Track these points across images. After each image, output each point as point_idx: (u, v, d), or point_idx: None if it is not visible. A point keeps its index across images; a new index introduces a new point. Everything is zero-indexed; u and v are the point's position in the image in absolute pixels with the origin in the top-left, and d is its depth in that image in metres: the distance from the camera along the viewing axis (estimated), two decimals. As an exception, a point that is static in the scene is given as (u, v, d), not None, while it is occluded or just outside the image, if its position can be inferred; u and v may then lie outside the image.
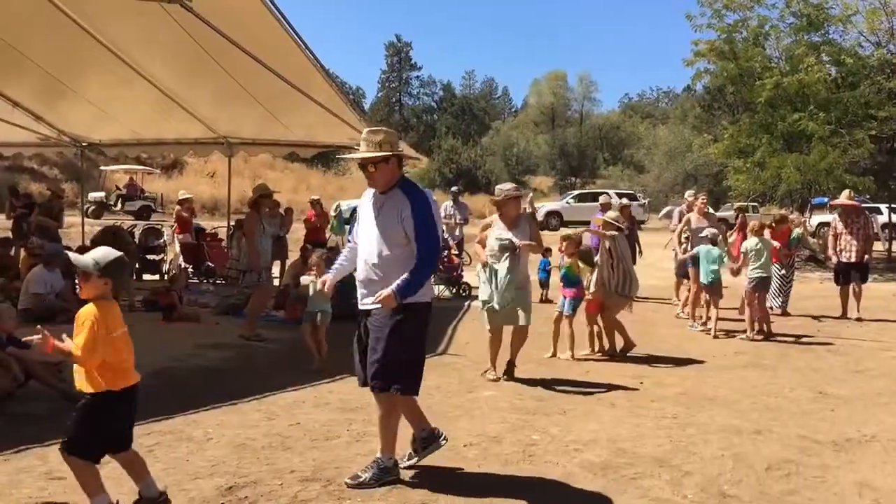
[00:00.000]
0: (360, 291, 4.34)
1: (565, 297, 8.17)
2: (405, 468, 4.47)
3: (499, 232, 7.04)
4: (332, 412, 5.75)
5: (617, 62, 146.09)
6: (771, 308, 11.39)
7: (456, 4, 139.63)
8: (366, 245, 4.33)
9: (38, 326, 3.61)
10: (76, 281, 3.71)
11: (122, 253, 3.76)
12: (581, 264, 8.23)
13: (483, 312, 7.17)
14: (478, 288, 13.25)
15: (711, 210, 11.87)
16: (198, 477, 4.30)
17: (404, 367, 4.22)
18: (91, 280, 3.62)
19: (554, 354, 8.21)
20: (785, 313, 11.57)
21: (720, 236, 10.11)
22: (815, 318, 11.49)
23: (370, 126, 5.06)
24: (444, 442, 4.62)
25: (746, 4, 22.00)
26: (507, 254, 6.87)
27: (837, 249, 11.57)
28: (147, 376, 6.77)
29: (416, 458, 4.56)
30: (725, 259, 9.92)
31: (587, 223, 22.96)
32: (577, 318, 8.25)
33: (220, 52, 7.99)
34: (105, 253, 3.74)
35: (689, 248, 10.70)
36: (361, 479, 4.22)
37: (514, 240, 6.86)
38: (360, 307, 4.35)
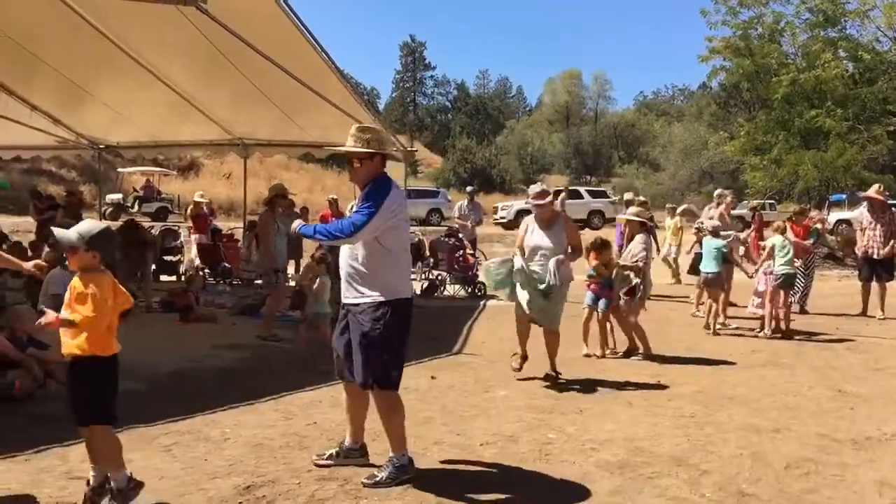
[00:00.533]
0: (342, 286, 4.42)
1: (598, 296, 8.14)
2: (321, 465, 4.50)
3: (534, 235, 6.92)
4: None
5: (632, 60, 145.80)
6: (801, 309, 11.38)
7: (469, 4, 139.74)
8: None
9: (41, 309, 3.71)
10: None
11: (107, 224, 3.83)
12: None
13: (517, 303, 7.00)
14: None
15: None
16: (216, 476, 4.32)
17: (385, 363, 4.26)
18: (78, 253, 3.68)
19: (588, 354, 8.17)
20: (803, 311, 11.50)
21: (723, 230, 10.07)
22: (834, 315, 11.40)
23: (379, 125, 5.06)
24: (365, 461, 4.57)
25: (762, 1, 21.90)
26: (554, 268, 6.63)
27: (860, 245, 11.49)
28: (165, 376, 6.87)
29: (332, 462, 4.54)
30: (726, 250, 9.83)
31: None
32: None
33: (236, 54, 8.02)
34: (90, 226, 3.80)
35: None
36: (378, 479, 4.24)
37: (554, 276, 6.61)
38: (343, 301, 4.41)
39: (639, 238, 8.23)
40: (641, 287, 8.09)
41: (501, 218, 32.65)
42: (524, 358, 7.15)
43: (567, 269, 6.80)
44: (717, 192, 12.58)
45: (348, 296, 4.35)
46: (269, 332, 8.87)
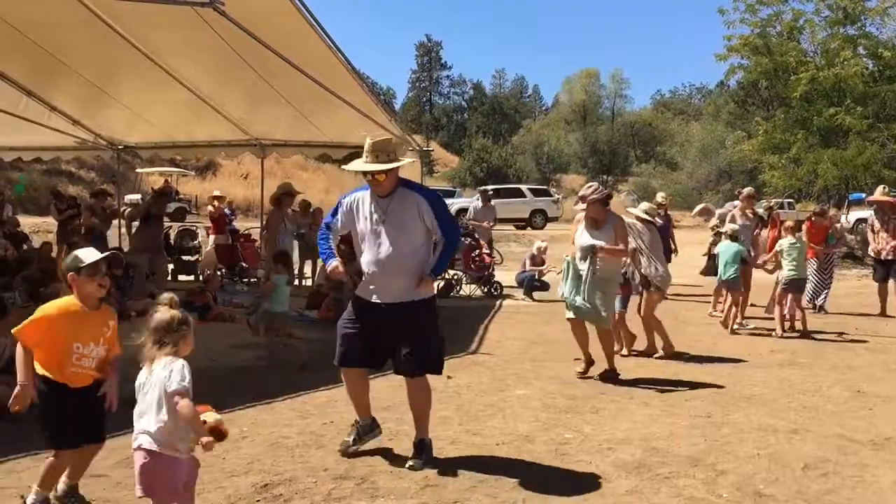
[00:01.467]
0: (376, 287, 4.60)
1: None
2: (350, 455, 4.68)
3: (582, 236, 6.97)
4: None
5: (649, 59, 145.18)
6: (814, 307, 11.30)
7: (485, 3, 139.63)
8: (380, 245, 4.56)
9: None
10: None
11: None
12: None
13: (568, 307, 7.07)
14: (512, 286, 13.30)
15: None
16: (234, 475, 4.36)
17: (439, 350, 4.72)
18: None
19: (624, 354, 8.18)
20: (821, 310, 11.43)
21: (741, 233, 9.97)
22: (853, 315, 11.32)
23: (397, 127, 5.22)
24: (378, 432, 4.92)
25: (780, -2, 21.77)
26: (589, 257, 6.77)
27: (875, 247, 11.43)
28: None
29: (357, 446, 4.77)
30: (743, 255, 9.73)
31: (497, 221, 22.04)
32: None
33: (253, 55, 8.06)
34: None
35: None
36: (425, 459, 4.55)
37: (596, 243, 6.75)
38: (375, 301, 4.60)
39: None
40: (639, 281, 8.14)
41: None
42: (588, 363, 7.15)
43: (609, 262, 6.87)
44: (746, 190, 12.51)
45: (406, 294, 4.54)
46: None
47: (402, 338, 4.54)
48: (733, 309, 9.72)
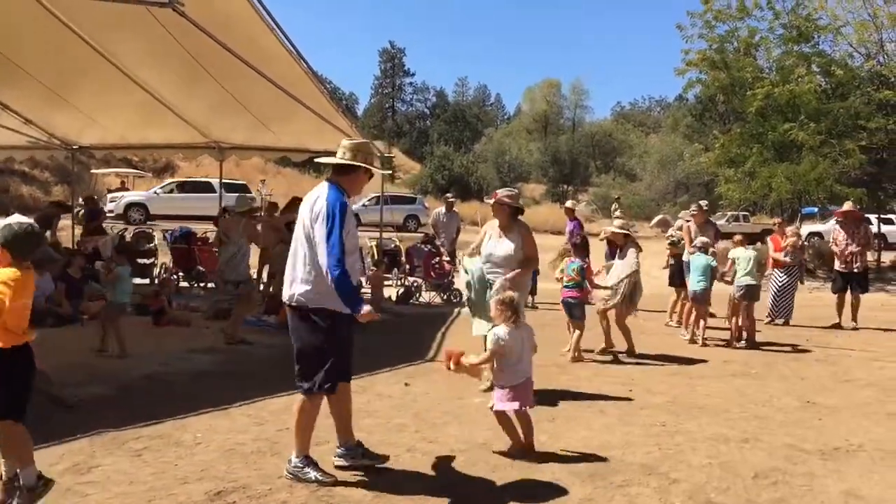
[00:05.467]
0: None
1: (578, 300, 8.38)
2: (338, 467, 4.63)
3: (490, 244, 6.73)
4: (321, 418, 5.66)
5: (610, 71, 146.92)
6: (784, 322, 11.55)
7: (449, 12, 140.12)
8: (351, 251, 4.36)
9: None
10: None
11: (25, 226, 3.71)
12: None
13: (472, 321, 6.97)
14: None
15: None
16: (186, 481, 4.29)
17: None
18: None
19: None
20: (786, 323, 11.67)
21: (711, 246, 10.10)
22: (805, 327, 11.55)
23: (359, 134, 5.18)
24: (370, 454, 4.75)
25: (736, 15, 22.17)
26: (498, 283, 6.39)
27: (839, 251, 11.69)
28: (136, 380, 6.80)
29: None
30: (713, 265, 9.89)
31: (180, 217, 20.73)
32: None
33: (212, 60, 7.99)
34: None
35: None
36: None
37: (500, 279, 6.40)
38: (339, 308, 4.39)
39: (632, 251, 8.72)
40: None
41: (109, 212, 24.99)
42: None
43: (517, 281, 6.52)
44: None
45: (339, 304, 4.27)
46: (235, 336, 8.81)
47: (349, 345, 4.52)
48: (701, 322, 9.81)
